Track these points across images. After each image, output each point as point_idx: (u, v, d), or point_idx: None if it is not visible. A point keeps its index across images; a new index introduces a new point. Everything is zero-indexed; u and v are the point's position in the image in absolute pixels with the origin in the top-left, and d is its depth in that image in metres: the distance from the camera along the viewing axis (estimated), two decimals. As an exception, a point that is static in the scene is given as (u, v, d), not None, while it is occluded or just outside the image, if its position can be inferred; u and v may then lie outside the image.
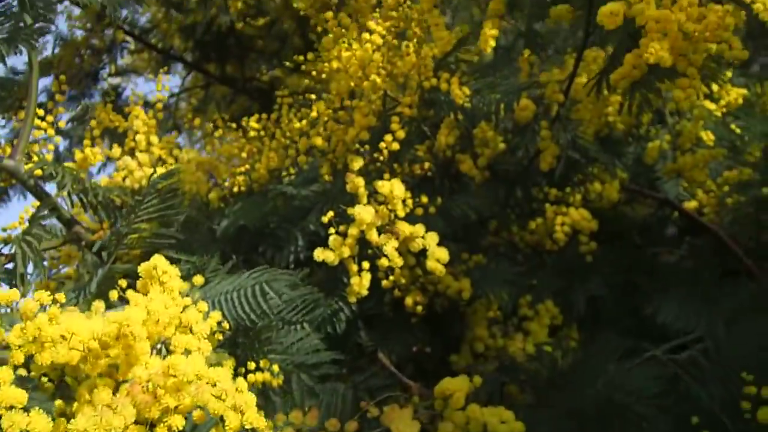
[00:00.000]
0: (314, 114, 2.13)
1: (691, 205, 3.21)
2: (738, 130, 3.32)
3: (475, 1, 5.11)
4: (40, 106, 4.88)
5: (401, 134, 2.03)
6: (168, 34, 5.64)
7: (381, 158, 2.03)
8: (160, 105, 2.69)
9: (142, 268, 1.44)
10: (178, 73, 6.43)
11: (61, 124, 2.50)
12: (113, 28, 5.06)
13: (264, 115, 2.81)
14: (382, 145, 2.02)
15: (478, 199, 2.33)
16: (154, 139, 2.34)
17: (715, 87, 3.14)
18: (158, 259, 1.42)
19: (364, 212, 1.82)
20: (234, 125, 2.79)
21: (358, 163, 1.92)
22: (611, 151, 3.15)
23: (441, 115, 2.21)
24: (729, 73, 3.14)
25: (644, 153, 3.22)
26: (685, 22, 1.76)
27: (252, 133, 2.71)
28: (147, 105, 5.94)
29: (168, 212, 1.76)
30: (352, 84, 2.03)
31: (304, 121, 2.26)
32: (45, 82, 5.36)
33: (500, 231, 2.84)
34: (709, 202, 3.21)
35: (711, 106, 3.20)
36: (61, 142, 5.62)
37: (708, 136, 3.16)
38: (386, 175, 1.96)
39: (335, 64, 2.02)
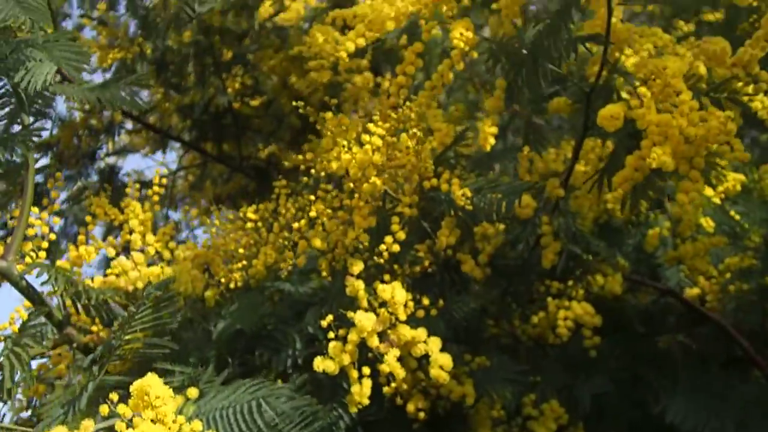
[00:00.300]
0: (313, 213, 2.11)
1: (693, 292, 3.18)
2: (737, 216, 3.31)
3: (470, 81, 5.19)
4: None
5: (401, 236, 2.01)
6: (166, 113, 5.70)
7: (381, 261, 2.00)
8: (156, 197, 2.66)
9: (135, 387, 1.39)
10: (175, 150, 6.47)
11: (55, 207, 2.46)
12: (111, 110, 5.10)
13: (261, 206, 2.78)
14: (383, 247, 1.99)
15: (480, 299, 2.30)
16: (150, 237, 2.31)
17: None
18: (151, 380, 1.37)
19: (364, 319, 1.78)
20: (231, 215, 2.75)
21: (358, 267, 1.89)
22: (611, 238, 3.14)
23: (441, 211, 2.19)
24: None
25: (644, 239, 3.20)
26: (687, 127, 1.75)
27: (249, 225, 2.68)
28: (144, 185, 5.98)
29: (162, 322, 1.71)
30: (352, 186, 2.01)
31: (303, 221, 2.24)
32: (42, 161, 5.39)
33: (501, 322, 2.80)
34: (711, 289, 3.18)
35: (709, 192, 3.20)
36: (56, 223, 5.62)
37: (708, 223, 3.14)
38: (387, 276, 1.92)
39: (334, 165, 2.01)
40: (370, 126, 1.99)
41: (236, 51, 5.33)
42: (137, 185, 5.85)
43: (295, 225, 2.24)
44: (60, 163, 5.23)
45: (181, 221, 5.90)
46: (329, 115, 2.10)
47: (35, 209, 2.25)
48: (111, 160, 5.85)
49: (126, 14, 5.06)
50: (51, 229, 2.35)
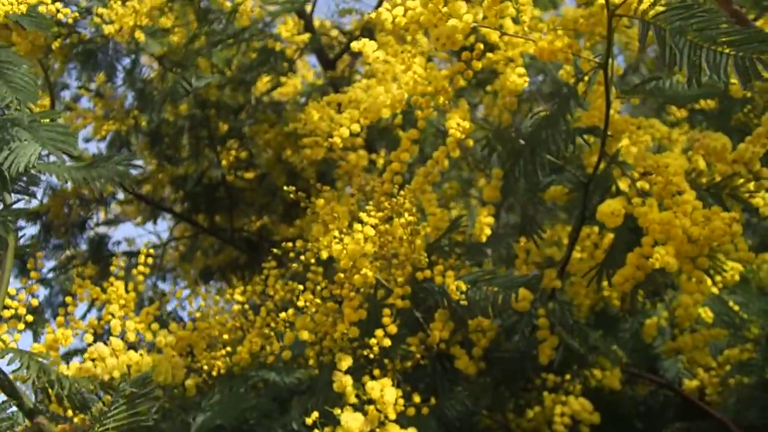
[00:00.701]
0: (301, 303, 2.03)
1: (692, 384, 3.10)
2: (736, 307, 3.25)
3: (464, 159, 5.18)
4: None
5: (393, 329, 1.93)
6: (159, 184, 5.67)
7: (371, 355, 1.92)
8: (141, 277, 2.59)
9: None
10: (166, 219, 6.41)
11: (34, 287, 2.37)
12: (97, 190, 5.05)
13: (249, 287, 2.70)
14: (373, 341, 1.91)
15: (474, 391, 2.21)
16: (130, 324, 2.23)
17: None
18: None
19: (351, 420, 1.69)
20: (217, 297, 2.67)
21: (346, 362, 1.81)
22: (607, 326, 3.07)
23: (435, 300, 2.12)
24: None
25: (641, 328, 3.13)
26: (690, 226, 1.70)
27: (236, 308, 2.59)
28: (131, 255, 5.90)
29: (137, 419, 1.61)
30: (342, 276, 1.95)
31: (290, 311, 2.16)
32: (30, 230, 5.32)
33: (495, 413, 2.70)
34: (711, 382, 3.10)
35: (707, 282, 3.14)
36: (42, 291, 5.51)
37: (706, 314, 3.07)
38: (376, 371, 1.84)
39: (324, 255, 1.94)
40: (363, 215, 1.94)
41: (232, 125, 5.34)
42: (126, 257, 5.81)
43: (282, 315, 2.16)
44: (48, 232, 5.16)
45: (170, 292, 5.78)
46: (321, 202, 2.05)
47: (12, 290, 2.17)
48: (101, 229, 5.79)
49: (123, 86, 5.08)
50: (28, 310, 2.26)
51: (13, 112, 2.02)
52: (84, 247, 5.64)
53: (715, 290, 3.15)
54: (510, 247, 2.64)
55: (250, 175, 5.59)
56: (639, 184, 2.01)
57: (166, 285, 6.51)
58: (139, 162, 5.19)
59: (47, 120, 2.03)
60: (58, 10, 2.37)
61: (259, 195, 5.69)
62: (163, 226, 9.25)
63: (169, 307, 5.14)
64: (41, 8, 2.31)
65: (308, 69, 6.44)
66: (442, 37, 1.81)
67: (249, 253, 5.71)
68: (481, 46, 1.97)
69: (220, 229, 5.75)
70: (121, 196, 5.63)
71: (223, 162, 5.37)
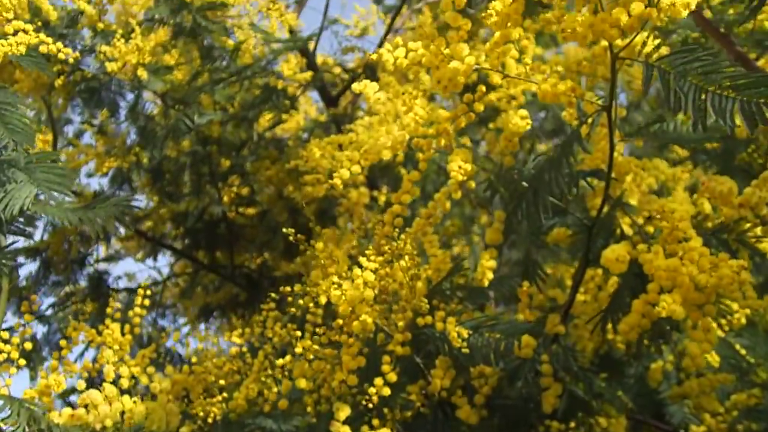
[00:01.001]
0: (299, 350, 1.98)
1: (699, 430, 3.03)
2: (743, 351, 3.19)
3: (466, 197, 5.16)
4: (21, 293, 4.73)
5: (392, 377, 1.88)
6: (160, 220, 5.65)
7: (370, 404, 1.86)
8: (138, 319, 2.54)
9: None
10: (167, 255, 6.38)
11: (28, 330, 2.33)
12: (93, 233, 5.03)
13: (247, 330, 2.66)
14: (372, 390, 1.86)
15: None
16: (125, 370, 2.17)
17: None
18: None
19: (349, 472, 1.63)
20: (216, 340, 2.63)
21: (344, 412, 1.76)
22: (612, 370, 3.01)
23: (435, 347, 2.07)
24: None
25: (646, 372, 3.07)
26: (697, 274, 1.66)
27: (233, 350, 2.55)
28: (131, 291, 5.85)
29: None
30: (341, 322, 1.90)
31: (288, 357, 2.11)
32: (30, 267, 5.28)
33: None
34: (718, 428, 3.02)
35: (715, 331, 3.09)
36: (40, 328, 5.45)
37: (713, 358, 3.01)
38: (375, 421, 1.78)
39: (323, 300, 1.90)
40: (362, 260, 1.90)
41: (233, 161, 5.34)
42: (125, 293, 5.76)
43: (280, 361, 2.11)
44: (48, 268, 5.12)
45: (167, 334, 5.74)
46: (320, 245, 2.01)
47: (5, 333, 2.13)
48: (101, 266, 5.75)
49: (126, 122, 5.08)
50: (22, 354, 2.22)
51: (11, 153, 2.00)
52: (83, 283, 5.59)
53: (720, 333, 3.10)
54: (513, 288, 2.59)
55: (251, 211, 5.57)
56: (645, 228, 1.97)
57: (166, 321, 6.46)
58: (138, 203, 5.17)
59: (44, 161, 2.01)
60: (59, 50, 2.36)
61: (260, 232, 5.66)
62: (164, 261, 9.20)
63: (168, 344, 5.11)
64: (42, 48, 2.30)
65: (311, 104, 6.47)
66: (444, 80, 1.79)
67: (249, 290, 5.67)
68: (483, 88, 1.95)
69: (220, 265, 5.71)
70: (122, 231, 5.60)
71: (225, 198, 5.36)
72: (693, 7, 1.50)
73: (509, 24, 1.71)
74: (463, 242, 5.80)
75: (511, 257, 5.45)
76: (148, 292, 2.62)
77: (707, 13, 4.32)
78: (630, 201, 2.43)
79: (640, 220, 2.03)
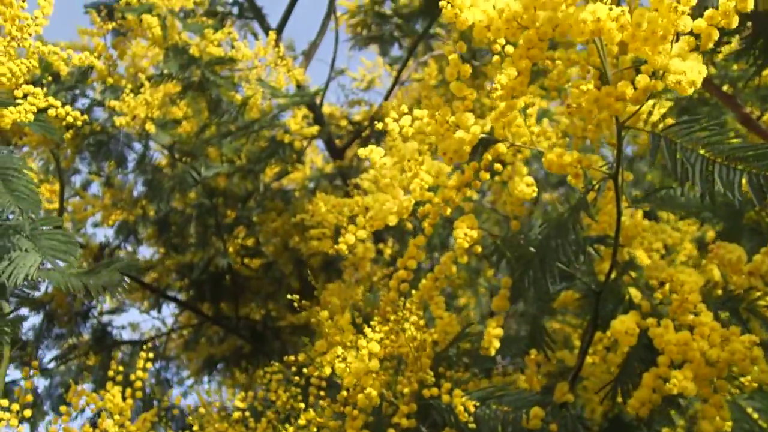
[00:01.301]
0: (302, 422, 1.95)
1: (712, 499, 2.94)
2: (755, 415, 3.12)
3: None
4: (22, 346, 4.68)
5: (398, 452, 1.84)
6: (165, 271, 5.63)
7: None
8: (139, 383, 2.51)
9: None
10: (170, 306, 6.35)
11: (28, 397, 2.30)
12: (96, 298, 5.03)
13: (251, 393, 2.62)
14: (377, 467, 1.82)
15: None
16: (126, 435, 2.14)
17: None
18: None
19: None
20: (218, 403, 2.58)
21: (349, 487, 1.71)
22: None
23: (441, 418, 2.02)
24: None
25: (657, 436, 3.00)
26: (709, 349, 1.63)
27: (236, 415, 2.50)
28: (134, 344, 5.80)
29: None
30: (345, 394, 1.87)
31: (291, 429, 2.07)
32: (34, 320, 5.25)
33: None
34: (732, 494, 2.94)
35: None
36: (42, 382, 5.40)
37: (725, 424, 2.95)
38: (380, 496, 1.74)
39: (327, 371, 1.87)
40: (367, 330, 1.87)
41: (239, 213, 5.34)
42: (128, 345, 5.72)
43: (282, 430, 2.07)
44: (51, 321, 5.08)
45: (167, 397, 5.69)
46: (325, 313, 1.99)
47: (5, 401, 2.10)
48: (105, 318, 5.72)
49: (133, 173, 5.11)
50: (20, 421, 2.19)
51: (17, 218, 2.00)
52: (87, 335, 5.55)
53: (730, 397, 3.04)
54: (521, 351, 2.54)
55: (256, 262, 5.55)
56: (654, 295, 1.95)
57: (169, 373, 6.39)
58: (141, 266, 5.16)
59: (49, 225, 2.00)
60: (67, 113, 2.37)
61: (265, 283, 5.64)
62: (168, 311, 9.14)
63: (171, 399, 5.05)
64: (51, 112, 2.31)
65: (317, 153, 6.49)
66: (449, 151, 1.78)
67: (253, 342, 5.62)
68: (489, 157, 1.95)
69: (224, 317, 5.67)
70: (126, 284, 5.58)
71: (230, 249, 5.34)
72: (699, 85, 1.50)
73: (514, 95, 1.71)
74: (468, 294, 5.75)
75: (517, 308, 5.40)
76: (151, 355, 2.60)
77: (711, 70, 4.35)
78: (640, 262, 2.41)
79: (649, 288, 2.00)
